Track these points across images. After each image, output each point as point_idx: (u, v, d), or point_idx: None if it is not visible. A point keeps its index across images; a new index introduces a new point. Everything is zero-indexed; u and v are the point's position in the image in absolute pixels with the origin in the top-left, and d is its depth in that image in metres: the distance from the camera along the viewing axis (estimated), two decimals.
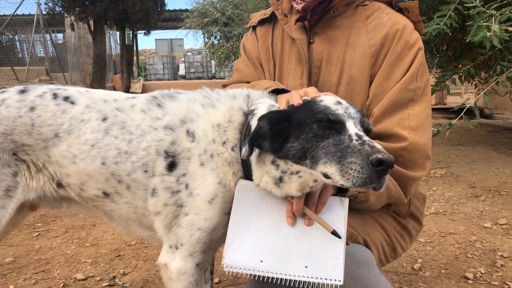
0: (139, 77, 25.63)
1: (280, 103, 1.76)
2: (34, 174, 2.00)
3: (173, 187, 1.81)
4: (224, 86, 2.40)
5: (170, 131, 1.84)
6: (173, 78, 30.03)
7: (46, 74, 18.01)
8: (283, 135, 1.60)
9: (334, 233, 1.64)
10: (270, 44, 2.30)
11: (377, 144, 1.47)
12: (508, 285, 3.15)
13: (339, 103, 1.64)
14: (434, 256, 3.66)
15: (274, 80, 2.27)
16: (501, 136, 8.84)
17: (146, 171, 1.85)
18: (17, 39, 22.54)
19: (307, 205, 1.73)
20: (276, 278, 1.65)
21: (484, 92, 4.01)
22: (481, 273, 3.32)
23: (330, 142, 1.52)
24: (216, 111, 1.86)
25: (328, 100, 1.65)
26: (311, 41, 2.17)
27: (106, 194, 1.98)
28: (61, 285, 3.22)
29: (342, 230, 1.68)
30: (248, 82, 2.31)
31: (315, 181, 1.63)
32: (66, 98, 1.99)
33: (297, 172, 1.63)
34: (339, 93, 2.07)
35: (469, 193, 5.30)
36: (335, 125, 1.55)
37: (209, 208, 1.77)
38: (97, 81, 16.07)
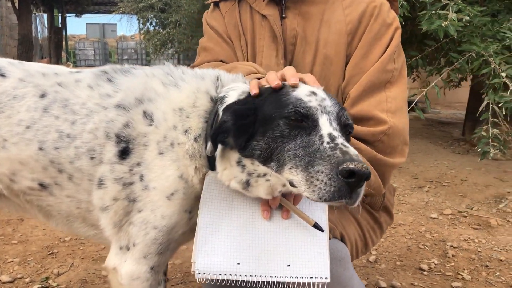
0: (68, 63, 24.27)
1: (251, 87, 1.51)
2: None
3: (125, 178, 1.54)
4: (193, 68, 2.14)
5: (123, 111, 1.57)
6: (105, 64, 28.70)
7: None
8: (249, 130, 1.38)
9: (316, 226, 1.46)
10: (239, 20, 2.06)
11: (352, 150, 1.25)
12: (461, 275, 3.15)
13: (313, 93, 1.41)
14: (388, 247, 3.61)
15: (248, 59, 2.06)
16: (435, 129, 9.17)
17: (92, 158, 1.57)
18: None
19: (284, 196, 1.53)
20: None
21: (435, 84, 4.01)
22: (435, 264, 3.31)
23: (298, 144, 1.31)
24: (179, 92, 1.59)
25: (302, 89, 1.42)
26: (283, 15, 1.96)
27: (43, 186, 1.67)
28: None
29: (324, 222, 1.53)
30: (221, 61, 2.08)
31: (284, 185, 1.41)
32: None
33: (264, 175, 1.42)
34: (314, 73, 1.89)
35: (413, 184, 5.37)
36: (305, 122, 1.33)
37: (167, 204, 1.53)
38: None
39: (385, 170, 1.82)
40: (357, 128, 1.76)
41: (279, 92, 1.44)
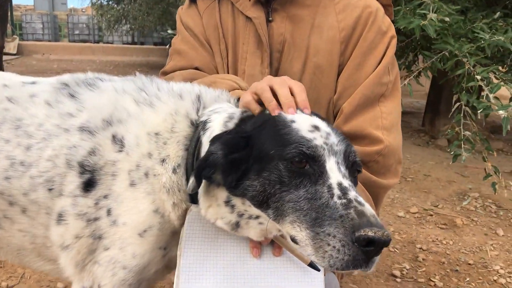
0: (14, 36, 22.77)
1: (243, 102, 1.32)
2: None
3: (89, 213, 1.32)
4: (164, 74, 1.88)
5: (88, 134, 1.33)
6: (54, 39, 27.24)
7: None
8: (241, 167, 1.17)
9: (312, 264, 1.30)
10: (219, 21, 1.83)
11: (368, 208, 1.06)
12: (433, 281, 3.12)
13: (316, 128, 1.19)
14: None
15: (228, 66, 1.83)
16: None
17: (50, 190, 1.34)
18: None
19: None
20: None
21: (408, 82, 3.92)
22: (407, 270, 3.27)
23: (301, 195, 1.11)
24: (154, 113, 1.36)
25: (303, 122, 1.20)
26: (270, 18, 1.75)
27: None
28: None
29: None
30: (197, 68, 1.83)
31: (280, 230, 1.24)
32: None
33: (257, 217, 1.24)
34: (303, 83, 1.71)
35: None
36: (310, 166, 1.13)
37: (139, 242, 1.33)
38: None
39: (379, 192, 1.67)
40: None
41: (276, 121, 1.23)
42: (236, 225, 1.26)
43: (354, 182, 1.21)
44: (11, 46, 20.41)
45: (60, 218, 1.34)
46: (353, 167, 1.23)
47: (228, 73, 1.81)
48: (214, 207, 1.27)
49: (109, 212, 1.32)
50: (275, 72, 1.76)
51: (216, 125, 1.29)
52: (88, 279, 1.39)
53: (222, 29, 1.82)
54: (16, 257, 1.55)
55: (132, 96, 1.38)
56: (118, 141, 1.32)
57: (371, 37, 1.69)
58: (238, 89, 1.57)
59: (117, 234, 1.33)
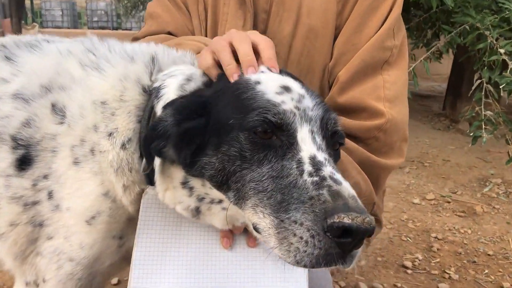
0: (34, 23, 22.92)
1: (200, 64, 1.10)
2: None
3: (26, 196, 1.14)
4: (136, 39, 1.68)
5: (22, 103, 1.14)
6: (73, 26, 27.37)
7: None
8: (196, 139, 0.98)
9: None
10: None
11: (346, 187, 0.86)
12: (448, 273, 2.87)
13: (286, 88, 0.99)
14: None
15: (206, 29, 1.62)
16: (414, 103, 8.88)
17: None
18: None
19: None
20: None
21: (424, 58, 3.63)
22: (419, 260, 3.02)
23: (265, 172, 0.91)
24: (101, 79, 1.16)
25: (268, 83, 1.00)
26: None
27: None
28: None
29: None
30: (169, 33, 1.63)
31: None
32: None
33: (220, 201, 1.06)
34: (293, 49, 1.49)
35: None
36: (276, 136, 0.93)
37: (87, 230, 1.15)
38: None
39: (379, 173, 1.46)
40: (347, 121, 1.39)
41: (238, 84, 1.01)
42: (197, 211, 1.09)
43: (335, 156, 1.00)
44: (31, 33, 20.57)
45: None
46: (333, 138, 1.01)
47: (206, 37, 1.59)
48: (171, 189, 1.07)
49: (50, 195, 1.14)
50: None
51: (172, 90, 1.08)
52: (30, 272, 1.22)
53: None
54: None
55: (78, 58, 1.19)
56: (58, 111, 1.13)
57: None
58: None
59: (61, 221, 1.15)
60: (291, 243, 0.83)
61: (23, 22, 19.94)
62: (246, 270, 1.15)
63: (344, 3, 1.47)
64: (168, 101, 1.06)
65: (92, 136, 1.12)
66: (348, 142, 1.35)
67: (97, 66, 1.17)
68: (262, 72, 1.05)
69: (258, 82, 1.00)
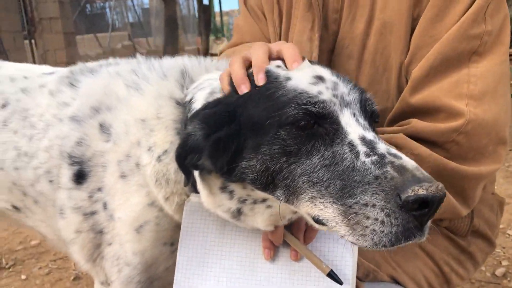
0: (223, 38, 25.28)
1: (221, 80, 1.08)
2: None
3: (84, 207, 1.27)
4: (221, 53, 1.80)
5: (75, 124, 1.28)
6: None
7: (129, 39, 18.28)
8: (231, 146, 0.97)
9: (332, 275, 1.05)
10: None
11: (408, 160, 0.84)
12: None
13: (320, 78, 0.96)
14: None
15: (280, 36, 1.62)
16: None
17: (51, 182, 1.32)
18: (107, 6, 23.32)
19: (291, 231, 1.12)
20: None
21: None
22: None
23: (316, 163, 0.89)
24: (140, 98, 1.24)
25: (299, 77, 0.97)
26: None
27: (16, 208, 1.48)
28: (73, 277, 2.91)
29: (348, 269, 1.08)
30: (248, 43, 1.70)
31: (296, 212, 1.03)
32: None
33: (264, 200, 1.04)
34: (367, 47, 1.40)
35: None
36: (321, 125, 0.91)
37: (137, 238, 1.23)
38: (170, 44, 15.62)
39: (465, 184, 1.26)
40: (419, 124, 1.25)
41: (268, 83, 0.99)
42: (238, 213, 1.07)
43: (375, 128, 1.00)
44: (220, 47, 22.82)
45: (61, 211, 1.32)
46: (372, 117, 1.00)
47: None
48: (211, 195, 1.09)
49: (104, 205, 1.26)
50: (333, 36, 1.49)
51: (199, 105, 1.11)
52: (101, 274, 1.36)
53: None
54: (57, 246, 1.60)
55: (124, 79, 1.29)
56: (105, 130, 1.25)
57: None
58: None
59: (116, 230, 1.26)
60: (366, 227, 0.82)
61: (214, 37, 22.14)
62: (287, 283, 1.12)
63: None
64: None
65: (136, 151, 1.21)
66: (418, 147, 1.22)
67: (137, 86, 1.26)
68: (279, 66, 1.02)
69: (288, 78, 0.98)
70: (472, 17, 1.24)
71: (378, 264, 1.35)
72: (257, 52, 1.04)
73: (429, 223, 0.84)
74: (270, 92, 0.96)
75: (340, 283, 1.04)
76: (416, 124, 1.26)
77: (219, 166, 0.99)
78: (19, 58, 9.87)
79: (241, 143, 0.97)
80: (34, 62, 11.11)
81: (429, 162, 1.21)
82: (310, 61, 1.06)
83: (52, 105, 1.35)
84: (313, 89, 0.93)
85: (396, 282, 1.37)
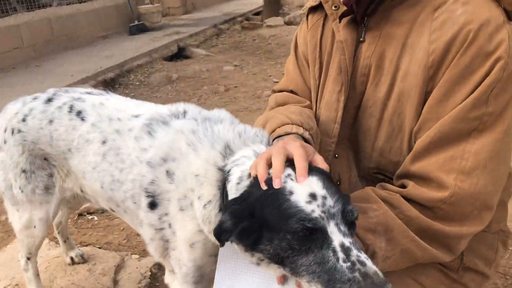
0: None
1: (251, 169, 1.39)
2: (65, 177, 2.10)
3: (156, 224, 1.70)
4: (273, 91, 2.03)
5: (150, 168, 1.67)
6: None
7: None
8: (252, 235, 1.31)
9: None
10: (319, 40, 1.77)
11: (369, 265, 1.19)
12: None
13: (313, 196, 1.26)
14: None
15: (318, 90, 1.79)
16: None
17: (134, 203, 1.75)
18: None
19: None
20: None
21: None
22: None
23: (311, 260, 1.24)
24: (195, 158, 1.59)
25: (299, 193, 1.28)
26: (362, 39, 1.64)
27: (113, 211, 1.98)
28: None
29: None
30: (292, 91, 1.93)
31: None
32: (78, 113, 1.96)
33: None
34: (387, 109, 1.59)
35: None
36: (314, 235, 1.23)
37: (190, 251, 1.64)
38: None
39: (447, 240, 1.48)
40: (412, 188, 1.47)
41: (277, 195, 1.29)
42: (257, 264, 1.39)
43: (353, 232, 1.30)
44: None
45: (141, 223, 1.75)
46: (352, 224, 1.29)
47: (317, 96, 1.80)
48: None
49: (169, 225, 1.67)
50: (360, 95, 1.66)
51: (232, 186, 1.44)
52: (168, 265, 1.81)
53: (320, 49, 1.77)
54: None
55: (186, 138, 1.63)
56: (170, 175, 1.63)
57: (465, 62, 1.42)
58: (289, 124, 1.63)
59: (177, 242, 1.67)
60: None
61: None
62: None
63: (436, 70, 1.47)
64: (230, 192, 1.43)
65: (191, 195, 1.56)
66: (409, 209, 1.44)
67: (195, 147, 1.59)
68: (292, 179, 1.31)
69: (291, 193, 1.27)
70: (473, 102, 1.42)
71: None
72: (276, 160, 1.33)
73: None
74: (279, 203, 1.28)
75: None
76: (412, 188, 1.47)
77: (244, 246, 1.34)
78: None
79: (261, 233, 1.30)
80: None
81: (416, 223, 1.44)
82: (313, 170, 1.35)
83: (136, 148, 1.73)
84: (308, 208, 1.23)
85: None
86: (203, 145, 1.60)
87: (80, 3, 10.61)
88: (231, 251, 1.49)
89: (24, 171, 2.08)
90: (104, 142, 1.83)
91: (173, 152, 1.64)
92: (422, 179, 1.47)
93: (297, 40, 1.93)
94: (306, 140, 1.59)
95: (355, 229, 1.33)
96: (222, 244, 1.35)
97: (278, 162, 1.33)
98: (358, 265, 1.18)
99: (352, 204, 1.32)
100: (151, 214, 1.68)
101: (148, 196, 1.67)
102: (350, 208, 1.31)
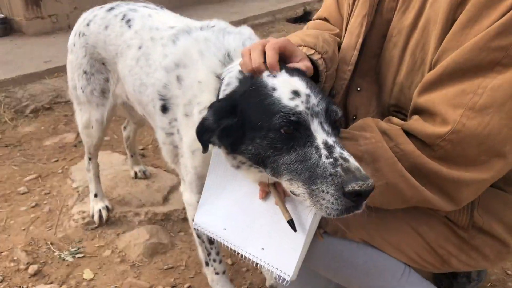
0: None
1: (241, 66, 1.37)
2: (116, 82, 2.24)
3: (167, 129, 1.77)
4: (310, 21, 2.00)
5: (165, 72, 1.73)
6: None
7: None
8: (234, 134, 1.30)
9: (290, 223, 1.33)
10: None
11: (352, 161, 1.15)
12: None
13: (296, 93, 1.24)
14: None
15: (350, 16, 1.68)
16: None
17: (153, 107, 1.81)
18: None
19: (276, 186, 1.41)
20: None
21: None
22: None
23: (293, 158, 1.21)
24: (202, 65, 1.61)
25: (282, 90, 1.26)
26: None
27: (146, 117, 2.05)
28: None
29: (308, 221, 1.36)
30: (325, 19, 1.88)
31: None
32: (128, 21, 2.08)
33: (257, 167, 1.35)
34: (411, 40, 1.43)
35: None
36: (297, 131, 1.21)
37: (192, 157, 1.68)
38: None
39: (444, 184, 1.28)
40: (414, 122, 1.31)
41: (260, 90, 1.27)
42: (237, 168, 1.40)
43: (337, 133, 1.29)
44: None
45: (156, 128, 1.84)
46: (335, 123, 1.27)
47: (347, 23, 1.69)
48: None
49: (178, 131, 1.73)
50: (387, 23, 1.52)
51: (221, 91, 1.45)
52: (180, 172, 1.88)
53: None
54: None
55: (198, 46, 1.65)
56: (180, 81, 1.67)
57: None
58: (301, 46, 1.54)
59: (183, 148, 1.73)
60: (322, 204, 1.15)
61: None
62: (268, 218, 1.43)
63: None
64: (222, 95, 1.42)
65: (194, 101, 1.59)
66: (405, 143, 1.28)
67: (203, 55, 1.61)
68: (274, 76, 1.29)
69: (274, 89, 1.25)
70: (498, 29, 1.19)
71: (348, 226, 1.46)
72: (254, 53, 1.32)
73: (365, 201, 1.15)
74: (261, 99, 1.25)
75: (295, 230, 1.32)
76: (414, 122, 1.30)
77: (225, 145, 1.34)
78: None
79: (243, 132, 1.28)
80: None
81: (410, 158, 1.27)
82: (287, 68, 1.33)
83: (161, 54, 1.79)
84: (292, 103, 1.21)
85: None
86: (209, 53, 1.62)
87: None
88: (222, 163, 1.50)
89: (85, 72, 2.27)
90: (140, 48, 1.92)
91: (186, 59, 1.67)
92: (427, 113, 1.29)
93: None
94: (314, 63, 1.49)
95: (339, 131, 1.31)
96: (205, 149, 1.36)
97: (255, 53, 1.32)
98: (340, 161, 1.15)
99: (336, 104, 1.28)
100: (163, 118, 1.75)
101: (161, 99, 1.74)
102: (334, 108, 1.28)
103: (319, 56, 1.52)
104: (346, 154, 1.17)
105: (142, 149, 3.66)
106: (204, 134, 1.32)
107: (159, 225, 2.71)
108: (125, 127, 3.06)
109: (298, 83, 1.27)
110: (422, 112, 1.31)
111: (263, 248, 1.42)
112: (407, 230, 1.49)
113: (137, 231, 2.61)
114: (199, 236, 1.97)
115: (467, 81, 1.24)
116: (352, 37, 1.59)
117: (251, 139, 1.26)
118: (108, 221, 2.72)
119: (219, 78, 1.53)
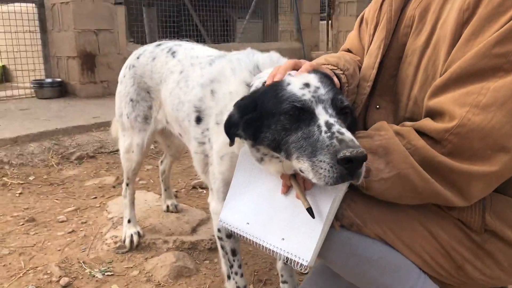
0: None
1: (268, 79, 1.55)
2: (158, 109, 2.48)
3: (199, 138, 1.97)
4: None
5: (201, 88, 1.95)
6: None
7: None
8: (255, 125, 1.49)
9: (309, 211, 1.45)
10: (381, 2, 1.88)
11: (347, 136, 1.29)
12: None
13: (307, 85, 1.43)
14: None
15: (370, 44, 1.87)
16: None
17: (189, 121, 2.03)
18: None
19: (295, 176, 1.55)
20: None
21: None
22: None
23: (299, 136, 1.38)
24: (233, 79, 1.81)
25: (295, 83, 1.46)
26: None
27: (181, 135, 2.27)
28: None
29: (326, 210, 1.47)
30: (348, 50, 2.08)
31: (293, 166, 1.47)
32: (173, 53, 2.38)
33: (277, 157, 1.53)
34: (424, 57, 1.59)
35: None
36: (303, 114, 1.39)
37: (220, 163, 1.85)
38: None
39: (455, 177, 1.37)
40: (425, 122, 1.44)
41: (276, 86, 1.47)
42: (261, 160, 1.58)
43: (344, 119, 1.43)
44: None
45: (190, 138, 2.05)
46: (342, 110, 1.42)
47: (367, 50, 1.88)
48: (248, 148, 1.62)
49: (209, 140, 1.92)
50: (402, 46, 1.70)
51: (254, 88, 1.64)
52: (208, 182, 2.04)
53: (380, 10, 1.86)
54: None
55: (232, 65, 1.85)
56: (213, 94, 1.89)
57: (499, 0, 1.37)
58: (325, 64, 1.74)
59: (213, 156, 1.90)
60: (320, 173, 1.28)
61: None
62: (289, 211, 1.55)
63: (471, 12, 1.43)
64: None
65: (225, 110, 1.75)
66: (415, 139, 1.39)
67: (235, 71, 1.80)
68: (292, 76, 1.49)
69: (288, 84, 1.44)
70: (497, 38, 1.33)
71: (364, 221, 1.50)
72: (282, 67, 1.53)
73: (361, 171, 1.27)
74: (276, 92, 1.45)
75: (313, 216, 1.44)
76: (424, 121, 1.42)
77: (248, 136, 1.52)
78: (313, 37, 12.14)
79: (261, 123, 1.47)
80: (327, 41, 13.73)
81: (421, 153, 1.37)
82: (315, 71, 1.52)
83: (198, 74, 2.06)
84: (300, 92, 1.40)
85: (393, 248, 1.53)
86: (240, 68, 1.82)
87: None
88: (248, 162, 1.68)
89: (131, 100, 2.55)
90: (181, 72, 2.20)
91: (219, 76, 1.89)
92: (437, 113, 1.43)
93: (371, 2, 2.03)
94: (338, 77, 1.69)
95: (346, 118, 1.46)
96: (232, 141, 1.55)
97: (283, 67, 1.54)
98: (336, 134, 1.29)
99: (343, 95, 1.44)
100: (197, 128, 1.96)
101: (195, 111, 1.96)
102: (340, 97, 1.44)
103: (341, 72, 1.73)
104: (343, 130, 1.30)
105: (176, 191, 3.83)
106: (231, 128, 1.52)
107: (186, 252, 2.80)
108: (161, 161, 3.27)
109: (312, 78, 1.46)
110: (432, 113, 1.44)
111: (283, 239, 1.52)
112: (420, 231, 1.53)
113: (164, 255, 2.71)
114: (222, 247, 2.06)
115: (472, 84, 1.37)
116: (371, 58, 1.78)
117: (267, 126, 1.44)
118: (138, 246, 2.84)
119: (249, 86, 1.73)
